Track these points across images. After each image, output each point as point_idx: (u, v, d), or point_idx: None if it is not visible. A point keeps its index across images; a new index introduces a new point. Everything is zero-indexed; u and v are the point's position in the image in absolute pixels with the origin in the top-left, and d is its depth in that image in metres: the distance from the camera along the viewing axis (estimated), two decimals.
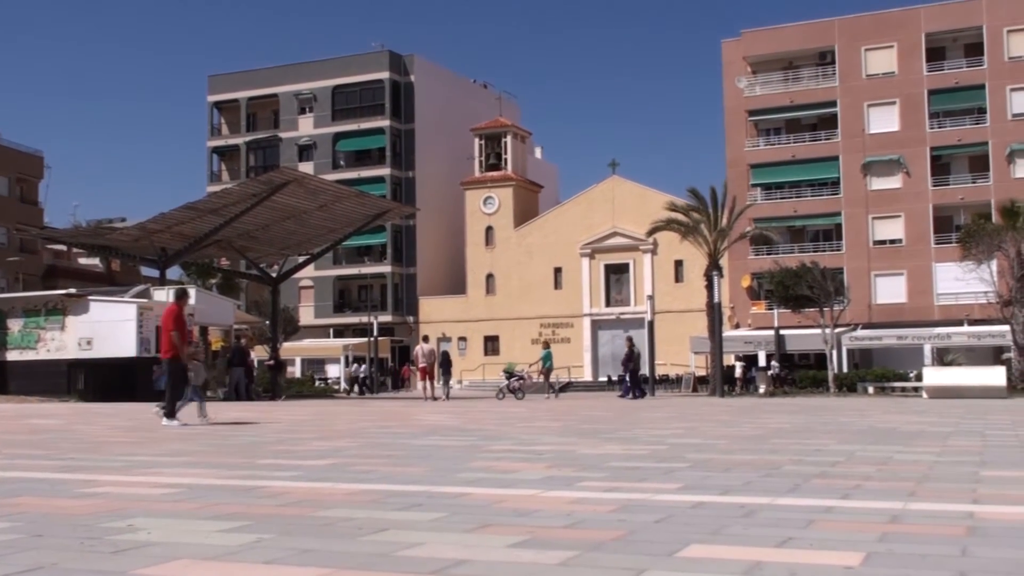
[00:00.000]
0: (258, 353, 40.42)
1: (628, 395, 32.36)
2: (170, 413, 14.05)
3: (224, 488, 5.83)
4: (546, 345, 36.79)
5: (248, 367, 33.17)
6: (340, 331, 70.06)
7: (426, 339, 34.78)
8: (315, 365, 64.06)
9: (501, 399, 30.80)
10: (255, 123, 75.81)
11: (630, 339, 35.50)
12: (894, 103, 59.00)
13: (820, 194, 60.55)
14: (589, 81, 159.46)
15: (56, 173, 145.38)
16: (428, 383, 31.43)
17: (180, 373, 14.53)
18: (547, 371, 34.33)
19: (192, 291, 32.56)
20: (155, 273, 39.95)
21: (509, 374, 34.28)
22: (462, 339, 68.02)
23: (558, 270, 66.95)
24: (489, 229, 68.85)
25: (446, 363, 34.86)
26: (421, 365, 31.99)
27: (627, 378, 33.68)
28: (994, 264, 39.55)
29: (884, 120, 59.07)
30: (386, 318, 66.81)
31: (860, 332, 52.32)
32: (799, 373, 44.73)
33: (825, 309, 40.81)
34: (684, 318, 58.30)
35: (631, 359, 33.43)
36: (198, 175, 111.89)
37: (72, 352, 29.67)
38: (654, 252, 63.28)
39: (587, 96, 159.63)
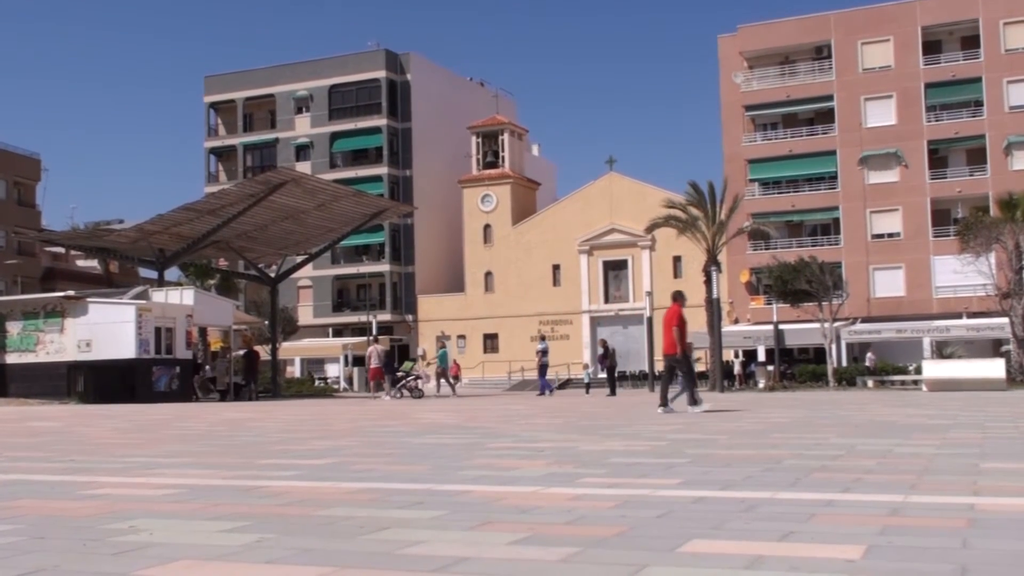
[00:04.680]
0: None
1: (546, 392, 34.49)
2: (692, 402, 15.90)
3: (225, 488, 5.83)
4: (442, 345, 38.46)
5: (254, 370, 33.51)
6: (339, 330, 70.04)
7: (378, 340, 36.57)
8: (314, 365, 64.17)
9: (398, 398, 31.12)
10: (252, 123, 75.73)
11: (604, 341, 38.04)
12: (891, 97, 59.00)
13: (818, 188, 60.56)
14: (586, 78, 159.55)
15: (53, 175, 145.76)
16: (381, 382, 33.14)
17: (688, 365, 16.49)
18: (442, 371, 36.21)
19: (190, 292, 32.62)
20: (153, 274, 39.93)
21: (406, 374, 34.46)
22: (461, 337, 68.01)
23: (556, 267, 66.95)
24: (487, 227, 68.82)
25: (389, 363, 34.92)
26: (374, 366, 32.93)
27: (593, 376, 35.16)
28: (992, 257, 39.53)
29: (881, 114, 59.08)
30: (385, 317, 66.79)
31: (859, 326, 52.32)
32: (798, 367, 44.74)
33: (824, 303, 40.81)
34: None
35: (606, 357, 35.25)
36: (195, 176, 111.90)
37: (71, 354, 29.61)
38: (652, 248, 63.26)
39: (584, 93, 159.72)
